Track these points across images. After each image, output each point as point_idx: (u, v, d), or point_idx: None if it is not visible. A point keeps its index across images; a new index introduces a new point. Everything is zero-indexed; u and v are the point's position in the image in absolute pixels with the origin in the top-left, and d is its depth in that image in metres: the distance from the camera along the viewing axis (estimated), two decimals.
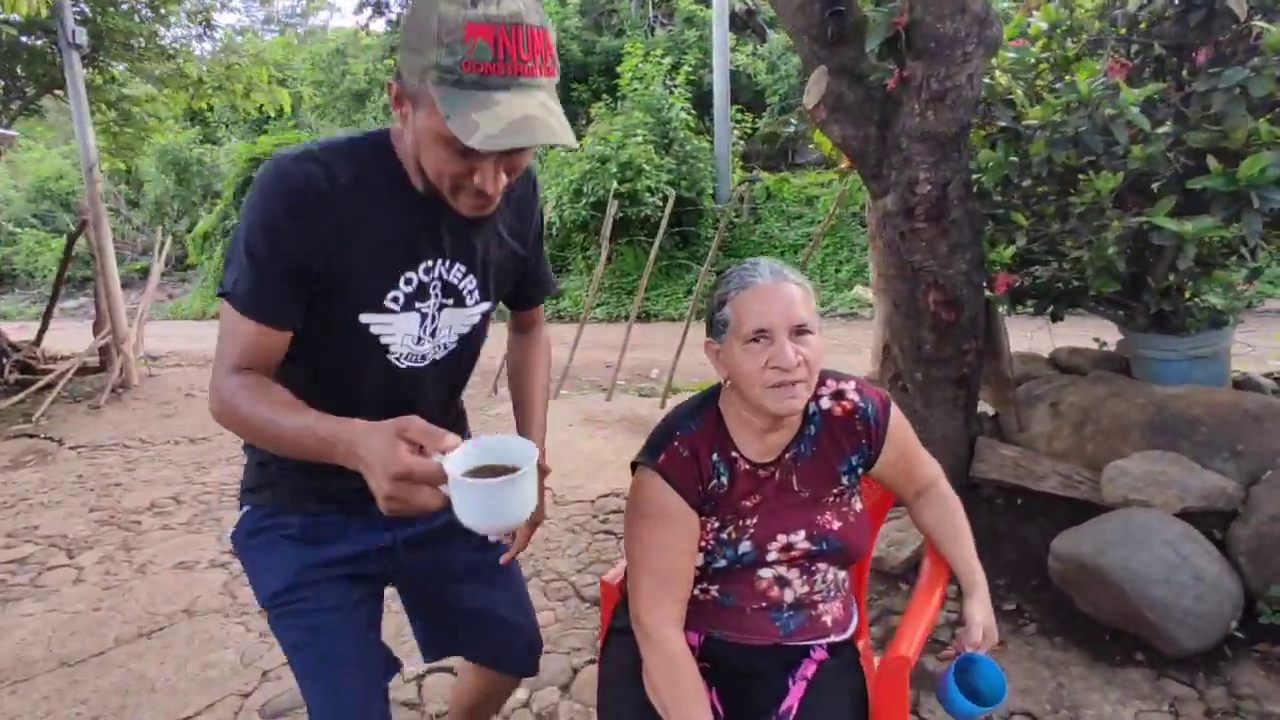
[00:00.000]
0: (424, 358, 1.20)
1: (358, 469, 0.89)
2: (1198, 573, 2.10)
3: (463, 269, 1.18)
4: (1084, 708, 2.02)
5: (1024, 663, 2.22)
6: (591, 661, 2.45)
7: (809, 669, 1.31)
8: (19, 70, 7.57)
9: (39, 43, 7.44)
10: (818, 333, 1.23)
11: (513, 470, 0.87)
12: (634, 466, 1.32)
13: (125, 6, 7.57)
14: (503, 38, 0.89)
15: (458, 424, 1.43)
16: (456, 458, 0.87)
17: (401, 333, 1.15)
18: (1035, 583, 2.51)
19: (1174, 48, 2.57)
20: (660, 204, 11.16)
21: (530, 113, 0.92)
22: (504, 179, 1.02)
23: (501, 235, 1.24)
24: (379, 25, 24.33)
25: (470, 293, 1.21)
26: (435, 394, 1.27)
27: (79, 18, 7.04)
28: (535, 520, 1.41)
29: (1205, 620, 2.07)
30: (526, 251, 1.31)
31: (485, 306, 1.26)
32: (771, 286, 1.22)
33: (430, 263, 1.14)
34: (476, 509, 0.86)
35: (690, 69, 13.46)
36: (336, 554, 1.27)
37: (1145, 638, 2.18)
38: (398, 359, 1.17)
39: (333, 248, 1.05)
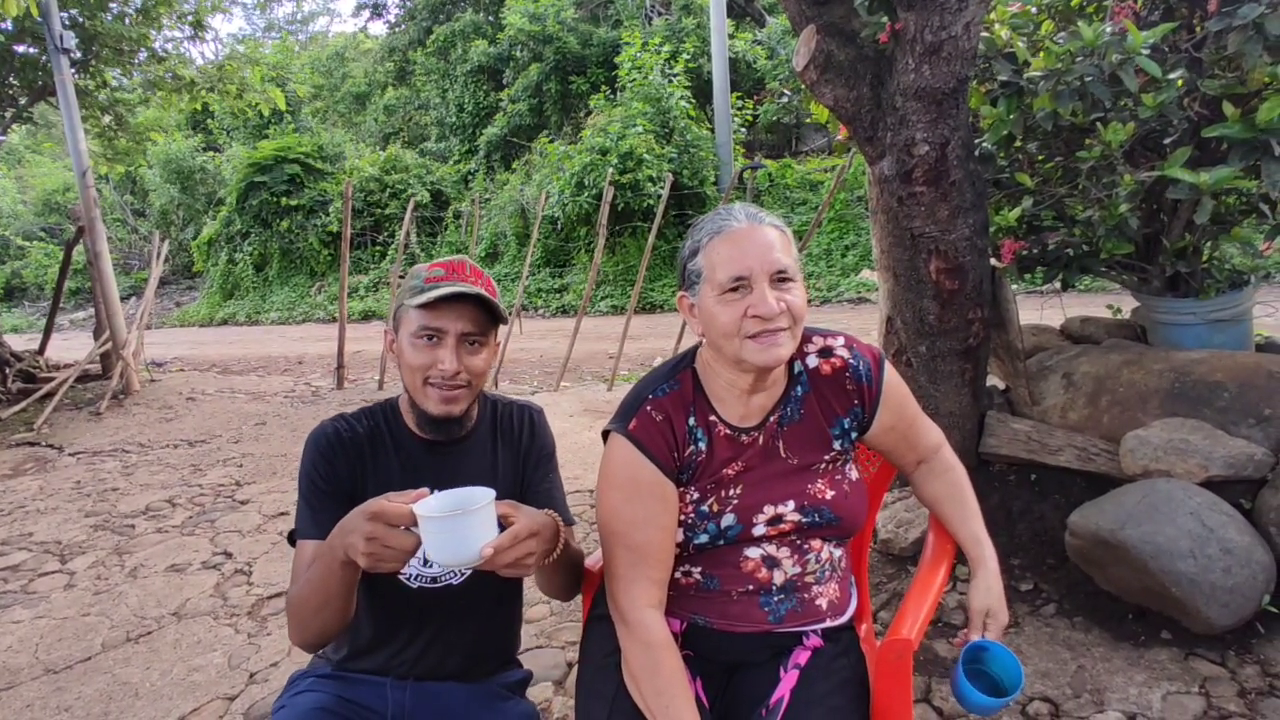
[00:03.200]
0: (435, 580, 1.34)
1: (346, 547, 1.03)
2: (1226, 545, 1.97)
3: None
4: (1108, 691, 1.90)
5: (1043, 645, 2.10)
6: None
7: (802, 657, 1.20)
8: (11, 78, 7.52)
9: (31, 50, 7.39)
10: (800, 280, 1.12)
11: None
12: (605, 435, 1.21)
13: (115, 9, 7.50)
14: (452, 264, 1.29)
15: (498, 662, 1.47)
16: (423, 505, 1.02)
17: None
18: (1052, 561, 2.38)
19: None
20: (663, 193, 11.06)
21: (468, 290, 1.24)
22: (462, 368, 1.25)
23: (498, 470, 1.39)
24: (378, 27, 24.33)
25: None
26: (468, 623, 1.38)
27: (67, 22, 6.98)
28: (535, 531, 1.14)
29: (1235, 595, 1.94)
30: (526, 482, 1.42)
31: (494, 522, 1.36)
32: (747, 230, 1.11)
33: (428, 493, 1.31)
34: (441, 541, 0.99)
35: (689, 57, 13.32)
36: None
37: (1171, 615, 2.05)
38: (407, 579, 1.33)
39: (355, 482, 1.29)
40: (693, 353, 1.25)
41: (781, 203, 12.58)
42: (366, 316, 14.50)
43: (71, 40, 6.73)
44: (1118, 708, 1.84)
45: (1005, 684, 1.16)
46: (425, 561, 1.32)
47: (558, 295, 13.05)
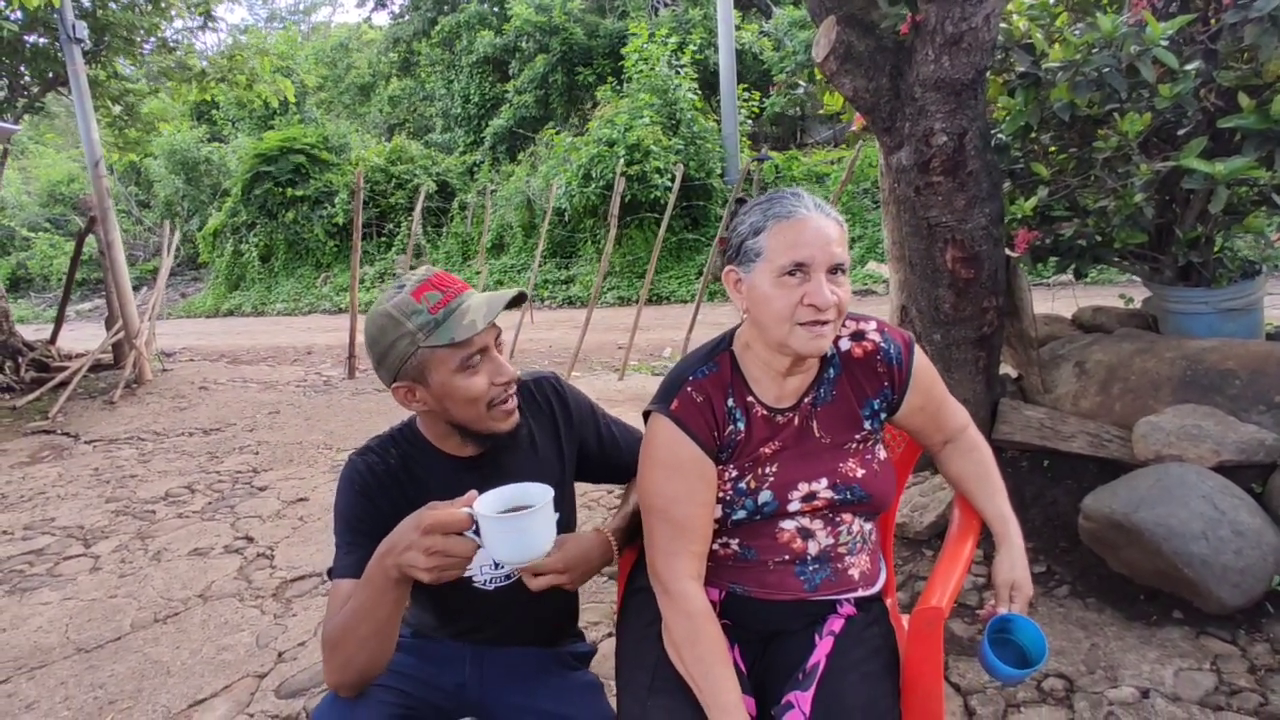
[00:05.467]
0: (509, 576, 1.35)
1: (399, 564, 1.01)
2: (1237, 527, 2.01)
3: None
4: (1121, 668, 1.95)
5: (1057, 624, 2.15)
6: (609, 635, 2.40)
7: (836, 624, 1.25)
8: (22, 68, 7.56)
9: (41, 41, 7.42)
10: (848, 275, 1.17)
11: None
12: (646, 415, 1.26)
13: None
14: (436, 281, 1.21)
15: (565, 629, 1.51)
16: (481, 504, 1.01)
17: (478, 564, 1.32)
18: (1064, 544, 2.43)
19: None
20: (669, 185, 11.07)
21: (485, 297, 1.22)
22: (505, 364, 1.24)
23: (539, 454, 1.38)
24: (381, 18, 24.28)
25: None
26: (536, 610, 1.37)
27: (79, 12, 7.00)
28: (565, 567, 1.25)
29: (1246, 576, 1.99)
30: (583, 450, 1.44)
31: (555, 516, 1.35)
32: (815, 219, 1.14)
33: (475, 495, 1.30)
34: (505, 540, 1.00)
35: (695, 49, 13.31)
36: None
37: (1183, 596, 2.10)
38: (483, 584, 1.34)
39: (396, 514, 1.19)
40: (730, 336, 1.29)
41: None
42: None
43: (84, 30, 6.76)
44: (1131, 683, 1.89)
45: (1030, 654, 1.21)
46: (496, 564, 1.33)
47: (564, 286, 13.09)
